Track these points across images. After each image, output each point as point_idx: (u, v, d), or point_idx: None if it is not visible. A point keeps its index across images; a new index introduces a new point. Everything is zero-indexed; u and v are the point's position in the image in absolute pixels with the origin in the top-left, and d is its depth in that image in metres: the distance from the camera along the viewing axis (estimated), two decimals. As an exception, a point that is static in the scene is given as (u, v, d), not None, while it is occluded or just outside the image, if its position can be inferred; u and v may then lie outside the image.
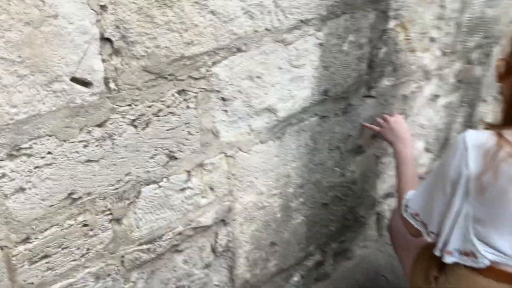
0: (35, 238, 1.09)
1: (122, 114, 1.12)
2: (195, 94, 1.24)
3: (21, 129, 0.97)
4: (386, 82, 1.85)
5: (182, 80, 1.20)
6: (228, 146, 1.39)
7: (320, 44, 1.50)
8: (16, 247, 1.06)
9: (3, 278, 1.07)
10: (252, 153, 1.47)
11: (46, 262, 1.12)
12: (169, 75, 1.16)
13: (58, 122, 1.02)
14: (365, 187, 2.05)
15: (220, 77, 1.27)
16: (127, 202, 1.22)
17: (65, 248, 1.15)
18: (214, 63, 1.25)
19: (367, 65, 1.73)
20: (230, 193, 1.47)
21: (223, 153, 1.39)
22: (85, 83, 1.04)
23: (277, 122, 1.50)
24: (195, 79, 1.22)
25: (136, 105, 1.13)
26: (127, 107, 1.12)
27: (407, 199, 1.42)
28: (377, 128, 1.78)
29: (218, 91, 1.29)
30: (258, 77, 1.37)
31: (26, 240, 1.07)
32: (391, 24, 1.74)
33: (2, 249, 1.04)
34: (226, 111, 1.34)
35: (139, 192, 1.24)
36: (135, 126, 1.16)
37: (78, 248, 1.17)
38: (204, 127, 1.30)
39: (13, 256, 1.06)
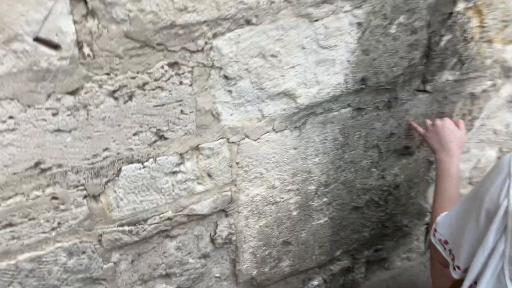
0: (-3, 205, 1.03)
1: (98, 84, 1.01)
2: (190, 69, 1.09)
3: (-24, 89, 0.90)
4: (448, 76, 1.56)
5: (174, 51, 1.05)
6: (231, 131, 1.24)
7: (359, 24, 1.27)
8: (-24, 212, 1.01)
9: (-38, 241, 1.03)
10: (262, 142, 1.31)
11: (11, 231, 1.07)
12: (157, 44, 1.03)
13: (20, 85, 0.93)
14: (411, 194, 1.79)
15: (222, 52, 1.11)
16: (105, 179, 1.12)
17: (32, 219, 1.08)
18: (215, 36, 1.09)
19: (422, 54, 1.46)
20: (232, 183, 1.32)
21: (225, 138, 1.24)
22: (53, 46, 0.93)
23: (296, 109, 1.31)
24: (191, 51, 1.07)
25: (116, 75, 1.02)
26: (105, 76, 1.01)
27: (437, 221, 1.18)
28: (421, 129, 1.51)
29: (219, 68, 1.13)
30: (273, 55, 1.18)
31: (-13, 205, 1.02)
32: (460, 6, 1.44)
33: (-40, 211, 1.00)
34: (230, 91, 1.18)
35: (119, 170, 1.13)
36: (116, 98, 1.04)
37: (48, 221, 1.10)
38: (202, 107, 1.16)
39: (-29, 220, 1.02)
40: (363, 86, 1.39)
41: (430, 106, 1.58)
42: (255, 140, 1.29)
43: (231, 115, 1.21)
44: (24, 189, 1.04)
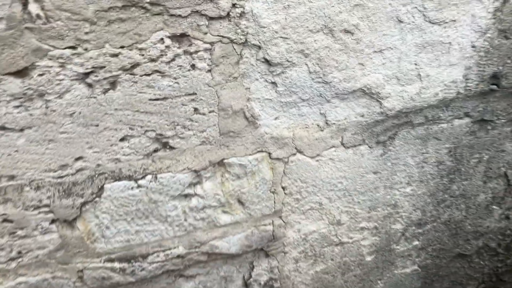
0: None
1: (59, 62, 0.65)
2: (208, 46, 0.70)
3: None
4: None
5: (179, 16, 0.66)
6: (275, 142, 0.82)
7: (499, -14, 0.78)
8: None
9: None
10: (324, 161, 0.87)
11: (-51, 259, 0.77)
12: (151, 3, 0.64)
13: None
14: (548, 242, 1.24)
15: (261, 21, 0.70)
16: (80, 200, 0.78)
17: (-23, 245, 0.77)
18: (249, -6, 0.67)
19: None
20: (275, 214, 0.91)
21: (265, 152, 0.83)
22: (-23, -3, 0.59)
23: (381, 116, 0.86)
24: (209, 18, 0.67)
25: (86, 50, 0.65)
26: (69, 51, 0.65)
27: None
28: None
29: (257, 47, 0.72)
30: (347, 31, 0.74)
31: None
32: None
33: None
34: (274, 84, 0.76)
35: (101, 189, 0.78)
36: (89, 86, 0.68)
37: (2, 249, 0.79)
38: (228, 105, 0.76)
39: None
40: (495, 86, 0.89)
41: None
42: (312, 158, 0.86)
43: (275, 119, 0.80)
44: (-40, 207, 0.73)
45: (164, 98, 0.72)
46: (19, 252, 0.80)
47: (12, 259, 0.80)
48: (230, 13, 0.68)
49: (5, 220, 0.76)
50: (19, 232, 0.78)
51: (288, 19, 0.70)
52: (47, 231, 0.79)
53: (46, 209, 0.77)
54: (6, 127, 0.68)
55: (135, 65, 0.68)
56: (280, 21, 0.70)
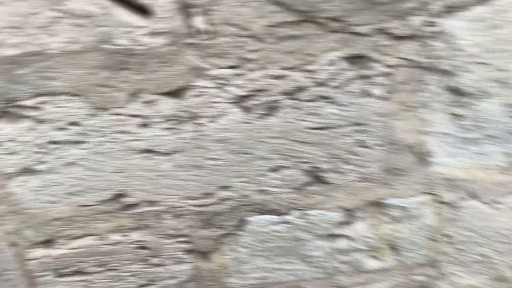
0: (61, 245, 0.69)
1: (217, 83, 0.57)
2: (387, 70, 0.58)
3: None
4: None
5: (359, 34, 0.55)
6: (446, 183, 0.69)
7: None
8: (33, 248, 0.69)
9: (20, 285, 0.72)
10: (502, 208, 0.72)
11: (82, 280, 0.73)
12: (328, 18, 0.54)
13: (84, 73, 0.55)
14: None
15: (457, 42, 0.57)
16: (221, 231, 0.70)
17: (111, 269, 0.72)
18: (449, 9, 0.54)
19: None
20: (430, 264, 0.78)
21: (432, 194, 0.70)
22: (139, 9, 0.52)
23: None
24: (394, 37, 0.56)
25: (249, 70, 0.57)
26: (230, 71, 0.57)
27: None
28: None
29: (447, 72, 0.59)
30: (562, 57, 0.59)
31: (48, 243, 0.69)
32: None
33: (12, 245, 0.69)
34: (457, 116, 0.63)
35: (243, 222, 0.69)
36: (246, 110, 0.60)
37: (134, 275, 0.73)
38: (398, 138, 0.64)
39: (28, 259, 0.70)
40: None
41: None
42: (486, 204, 0.71)
43: (451, 157, 0.66)
44: (98, 230, 0.68)
45: (326, 127, 0.62)
46: (151, 280, 0.74)
47: (142, 286, 0.75)
48: (421, 33, 0.56)
49: (141, 247, 0.70)
50: (153, 260, 0.72)
51: (492, 41, 0.56)
52: (181, 261, 0.72)
53: (184, 238, 0.70)
54: (154, 150, 0.62)
55: (300, 89, 0.59)
56: (482, 43, 0.56)
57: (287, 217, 0.70)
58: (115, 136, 0.60)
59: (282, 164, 0.65)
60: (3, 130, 0.58)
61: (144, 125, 0.60)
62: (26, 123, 0.58)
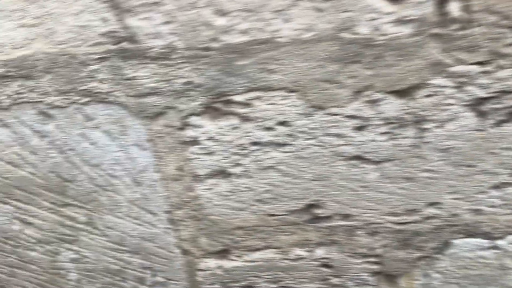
0: (237, 256, 0.63)
1: (457, 81, 0.49)
2: None
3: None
4: None
5: None
6: None
7: None
8: (206, 258, 0.63)
9: (183, 293, 0.67)
10: None
11: (250, 296, 0.66)
12: None
13: (308, 66, 0.48)
14: None
15: None
16: (416, 253, 0.61)
17: (284, 287, 0.65)
18: None
19: None
20: None
21: None
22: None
23: None
24: None
25: (499, 67, 0.48)
26: (476, 68, 0.48)
27: None
28: None
29: None
30: None
31: (222, 254, 0.63)
32: None
33: (185, 253, 0.63)
34: None
35: (446, 244, 0.60)
36: (481, 115, 0.51)
37: (305, 295, 0.66)
38: None
39: (198, 270, 0.64)
40: None
41: None
42: None
43: None
44: (281, 242, 0.61)
45: None
46: (323, 301, 0.66)
47: (313, 306, 0.67)
48: None
49: (324, 265, 0.63)
50: (333, 280, 0.64)
51: None
52: (364, 284, 0.64)
53: (375, 259, 0.62)
54: (363, 157, 0.54)
55: (553, 92, 0.49)
56: None
57: (499, 242, 0.60)
58: (325, 139, 0.53)
59: (507, 181, 0.55)
60: (204, 127, 0.53)
61: (360, 128, 0.52)
62: (231, 121, 0.52)
